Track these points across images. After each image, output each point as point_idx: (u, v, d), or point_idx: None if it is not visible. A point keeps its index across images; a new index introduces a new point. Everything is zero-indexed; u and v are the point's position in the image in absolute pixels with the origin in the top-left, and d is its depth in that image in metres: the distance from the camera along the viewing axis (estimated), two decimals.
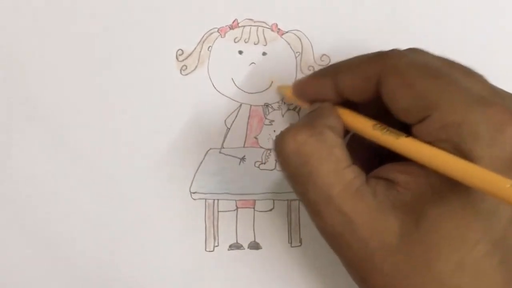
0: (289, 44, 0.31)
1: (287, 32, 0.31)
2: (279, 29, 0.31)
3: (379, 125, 0.25)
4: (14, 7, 0.31)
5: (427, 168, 0.23)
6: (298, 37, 0.31)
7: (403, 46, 0.31)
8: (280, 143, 0.24)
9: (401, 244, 0.23)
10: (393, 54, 0.25)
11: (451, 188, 0.22)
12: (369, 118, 0.26)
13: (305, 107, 0.28)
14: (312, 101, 0.27)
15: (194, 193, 0.31)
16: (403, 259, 0.23)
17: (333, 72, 0.26)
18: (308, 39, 0.31)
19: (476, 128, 0.22)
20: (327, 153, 0.24)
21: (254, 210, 0.31)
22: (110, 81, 0.31)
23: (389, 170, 0.24)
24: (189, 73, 0.31)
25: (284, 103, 0.31)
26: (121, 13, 0.31)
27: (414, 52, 0.26)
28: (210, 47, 0.31)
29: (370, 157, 0.27)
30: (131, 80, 0.31)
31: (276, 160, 0.25)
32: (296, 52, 0.31)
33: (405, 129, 0.24)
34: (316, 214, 0.24)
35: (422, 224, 0.23)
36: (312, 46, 0.31)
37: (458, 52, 0.32)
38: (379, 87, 0.24)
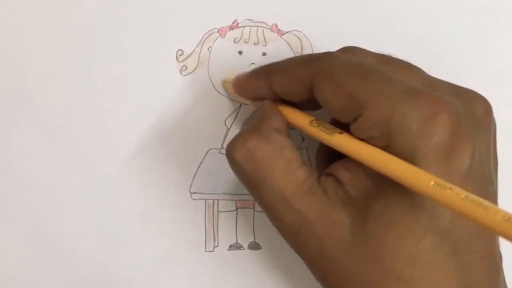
0: (289, 44, 0.31)
1: (287, 32, 0.31)
2: (279, 29, 0.31)
3: (315, 122, 0.25)
4: (14, 7, 0.31)
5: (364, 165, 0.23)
6: (298, 37, 0.31)
7: (403, 46, 0.31)
8: (231, 151, 0.25)
9: (353, 239, 0.23)
10: (325, 57, 0.25)
11: (391, 182, 0.22)
12: (307, 114, 0.26)
13: (247, 103, 0.29)
14: (251, 99, 0.28)
15: (194, 193, 0.31)
16: (357, 255, 0.23)
17: (267, 73, 0.27)
18: (308, 39, 0.31)
19: (405, 121, 0.22)
20: (277, 155, 0.24)
21: (254, 210, 0.31)
22: (110, 81, 0.31)
23: (336, 168, 0.25)
24: (189, 73, 0.31)
25: None
26: (121, 13, 0.31)
27: (347, 52, 0.26)
28: (210, 48, 0.31)
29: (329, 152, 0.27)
30: (131, 80, 0.31)
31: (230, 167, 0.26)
32: (296, 53, 0.31)
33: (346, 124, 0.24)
34: (273, 215, 0.25)
35: (369, 220, 0.23)
36: (312, 46, 0.31)
37: (457, 51, 0.32)
38: (313, 90, 0.25)
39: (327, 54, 0.26)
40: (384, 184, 0.23)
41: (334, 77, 0.24)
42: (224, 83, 0.31)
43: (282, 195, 0.24)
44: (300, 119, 0.26)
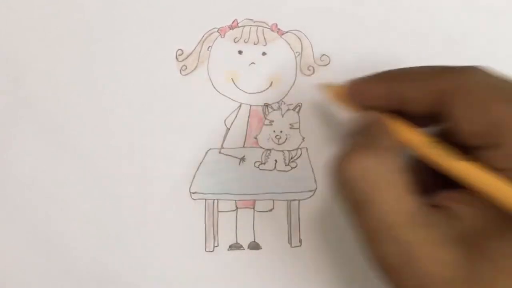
0: (289, 44, 0.31)
1: (287, 32, 0.31)
2: (279, 29, 0.31)
3: (436, 143, 0.23)
4: (14, 7, 0.31)
5: (487, 199, 0.22)
6: (298, 37, 0.31)
7: (402, 46, 0.31)
8: (343, 167, 0.23)
9: (463, 280, 0.22)
10: (464, 71, 0.23)
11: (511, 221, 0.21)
12: (424, 133, 0.24)
13: (352, 112, 0.27)
14: (366, 106, 0.26)
15: (194, 193, 0.31)
16: None
17: (396, 79, 0.25)
18: (308, 39, 0.31)
19: None
20: (390, 179, 0.23)
21: (254, 210, 0.31)
22: (110, 81, 0.31)
23: (449, 199, 0.23)
24: (189, 73, 0.31)
25: (284, 102, 0.31)
26: (121, 13, 0.31)
27: (479, 70, 0.24)
28: (210, 47, 0.31)
29: (426, 179, 0.26)
30: (131, 80, 0.31)
31: (334, 184, 0.24)
32: (296, 52, 0.31)
33: (463, 148, 0.23)
34: (374, 242, 0.23)
35: (484, 260, 0.22)
36: (312, 46, 0.31)
37: (457, 51, 0.32)
38: (445, 104, 0.23)
39: (466, 68, 0.24)
40: (503, 224, 0.22)
41: (479, 96, 0.22)
42: (325, 87, 0.28)
43: (389, 222, 0.22)
44: (418, 138, 0.24)
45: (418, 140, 0.24)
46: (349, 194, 0.23)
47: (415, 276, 0.22)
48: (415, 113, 0.25)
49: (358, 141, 0.24)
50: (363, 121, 0.25)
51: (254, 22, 0.31)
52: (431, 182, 0.25)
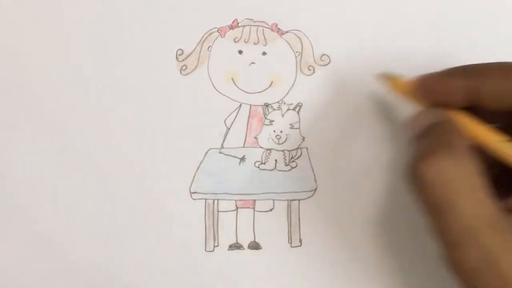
0: (289, 44, 0.31)
1: (287, 32, 0.31)
2: (279, 29, 0.31)
3: (510, 141, 0.23)
4: (15, 7, 0.31)
5: None
6: (298, 37, 0.31)
7: (403, 46, 0.31)
8: (420, 169, 0.22)
9: None
10: None
11: None
12: (496, 130, 0.24)
13: (417, 107, 0.26)
14: (436, 103, 0.25)
15: (194, 193, 0.31)
16: None
17: (472, 74, 0.24)
18: (308, 39, 0.31)
19: None
20: (469, 180, 0.22)
21: (254, 210, 0.31)
22: (110, 81, 0.31)
23: None
24: (189, 73, 0.31)
25: (284, 102, 0.31)
26: (121, 13, 0.31)
27: None
28: (210, 47, 0.31)
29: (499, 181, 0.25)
30: (131, 80, 0.31)
31: (409, 187, 0.23)
32: (296, 52, 0.31)
33: None
34: (454, 246, 0.22)
35: None
36: (312, 46, 0.31)
37: (456, 51, 0.32)
38: None
39: None
40: None
41: None
42: (390, 79, 0.28)
43: (471, 226, 0.22)
44: (489, 136, 0.24)
45: (491, 138, 0.24)
46: (428, 197, 0.23)
47: (495, 281, 0.22)
48: (491, 109, 0.24)
49: (432, 141, 0.24)
50: (431, 120, 0.25)
51: (254, 22, 0.31)
52: (504, 184, 0.24)
